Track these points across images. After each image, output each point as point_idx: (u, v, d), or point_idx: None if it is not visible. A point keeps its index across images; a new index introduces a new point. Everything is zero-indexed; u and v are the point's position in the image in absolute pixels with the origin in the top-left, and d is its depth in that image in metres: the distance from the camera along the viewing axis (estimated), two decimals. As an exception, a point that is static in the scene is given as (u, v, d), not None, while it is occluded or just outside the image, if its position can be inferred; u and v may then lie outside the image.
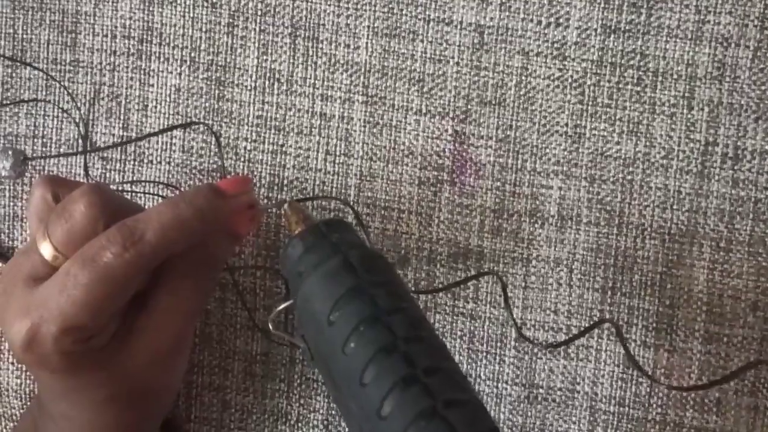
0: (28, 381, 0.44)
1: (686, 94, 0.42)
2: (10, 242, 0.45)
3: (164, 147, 0.45)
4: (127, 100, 0.44)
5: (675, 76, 0.42)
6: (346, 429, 0.42)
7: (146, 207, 0.38)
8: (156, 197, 0.44)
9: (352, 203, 0.44)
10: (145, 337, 0.34)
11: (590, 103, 0.43)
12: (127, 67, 0.44)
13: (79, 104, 0.45)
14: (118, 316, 0.34)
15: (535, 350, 0.44)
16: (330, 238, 0.32)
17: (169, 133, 0.45)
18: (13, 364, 0.44)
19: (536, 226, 0.43)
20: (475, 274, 0.42)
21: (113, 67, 0.44)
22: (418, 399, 0.28)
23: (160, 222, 0.32)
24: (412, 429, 0.28)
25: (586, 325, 0.44)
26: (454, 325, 0.44)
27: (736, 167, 0.42)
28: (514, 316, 0.44)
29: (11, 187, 0.44)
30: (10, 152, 0.37)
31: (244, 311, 0.43)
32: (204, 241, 0.35)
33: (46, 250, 0.32)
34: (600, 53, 0.43)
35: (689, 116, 0.42)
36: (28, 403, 0.44)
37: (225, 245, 0.37)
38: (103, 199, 0.33)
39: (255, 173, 0.44)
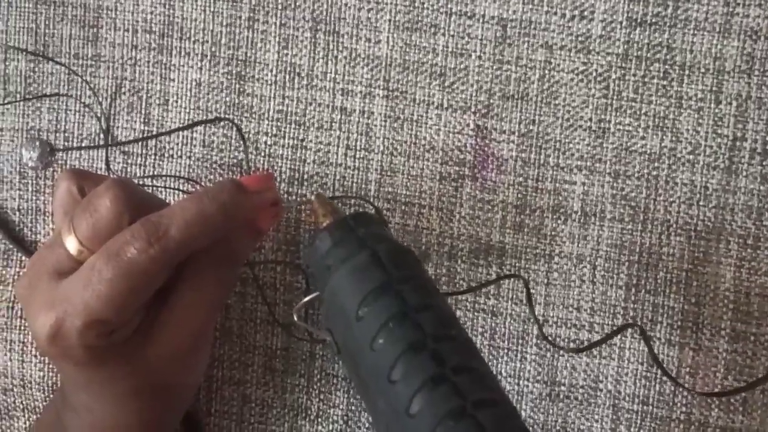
0: (51, 373, 0.44)
1: (714, 88, 0.41)
2: (34, 236, 0.44)
3: (185, 141, 0.44)
4: (148, 95, 0.44)
5: (702, 70, 0.41)
6: (366, 424, 0.42)
7: (169, 202, 0.38)
8: (177, 192, 0.44)
9: (372, 199, 0.43)
10: (167, 332, 0.33)
11: (615, 97, 0.42)
12: (148, 62, 0.44)
13: (100, 99, 0.44)
14: (141, 311, 0.33)
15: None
16: (357, 233, 0.32)
17: (190, 128, 0.44)
18: (36, 356, 0.44)
19: (559, 222, 0.42)
20: (498, 276, 0.41)
21: (134, 61, 0.44)
22: (448, 398, 0.28)
23: (184, 218, 0.32)
24: (441, 428, 0.27)
25: (610, 322, 0.43)
26: (475, 321, 0.43)
27: (764, 163, 0.41)
28: (537, 313, 0.43)
29: (34, 181, 0.44)
30: (37, 143, 0.36)
31: (264, 306, 0.43)
32: (226, 237, 0.34)
33: (71, 244, 0.32)
34: (625, 46, 0.41)
35: (717, 111, 0.41)
36: (51, 396, 0.44)
37: (247, 241, 0.36)
38: (128, 194, 0.32)
39: (275, 168, 0.43)
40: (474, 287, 0.41)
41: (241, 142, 0.42)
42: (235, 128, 0.41)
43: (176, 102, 0.44)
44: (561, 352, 0.42)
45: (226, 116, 0.42)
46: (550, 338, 0.42)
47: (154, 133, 0.44)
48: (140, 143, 0.44)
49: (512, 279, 0.42)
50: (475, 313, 0.43)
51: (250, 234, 0.36)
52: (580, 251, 0.42)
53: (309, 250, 0.33)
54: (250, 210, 0.34)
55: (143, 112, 0.44)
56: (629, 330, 0.42)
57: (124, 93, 0.44)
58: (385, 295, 0.30)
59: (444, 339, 0.30)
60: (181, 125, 0.43)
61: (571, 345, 0.43)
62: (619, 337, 0.42)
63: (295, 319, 0.33)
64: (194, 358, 0.36)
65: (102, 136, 0.44)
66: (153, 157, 0.45)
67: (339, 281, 0.30)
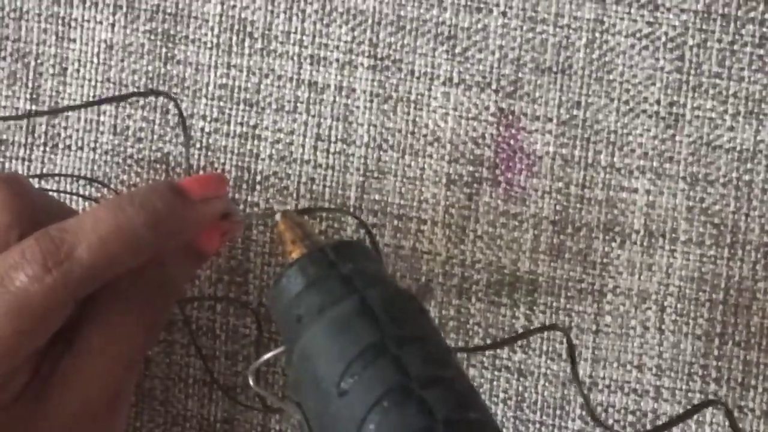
0: None
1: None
2: None
3: (88, 127, 0.35)
4: (39, 62, 0.34)
5: (818, 33, 0.32)
6: None
7: (77, 211, 0.32)
8: (76, 198, 0.35)
9: (352, 206, 0.34)
10: (71, 389, 0.29)
11: (692, 71, 0.33)
12: (39, 15, 0.34)
13: None
14: (33, 360, 0.29)
15: (609, 420, 0.32)
16: (340, 269, 0.27)
17: (95, 108, 0.34)
18: None
19: (614, 245, 0.33)
20: (532, 329, 0.33)
21: (19, 14, 0.34)
22: None
23: (97, 233, 0.27)
24: None
25: (683, 387, 0.33)
26: (495, 383, 0.34)
27: None
28: (582, 374, 0.33)
29: None
30: None
31: (198, 360, 0.34)
32: (156, 261, 0.29)
33: None
34: (707, 1, 0.32)
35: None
36: None
37: (184, 267, 0.31)
38: (18, 197, 0.28)
39: (216, 166, 0.34)
40: (497, 343, 0.33)
41: (179, 129, 0.34)
42: (173, 104, 0.33)
43: (77, 72, 0.34)
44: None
45: (167, 91, 0.34)
46: (598, 412, 0.32)
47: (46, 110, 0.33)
48: (24, 128, 0.34)
49: (546, 323, 0.32)
50: (495, 372, 0.33)
51: (190, 257, 0.31)
52: (642, 286, 0.33)
53: (273, 291, 0.28)
54: (192, 224, 0.29)
55: (31, 85, 0.35)
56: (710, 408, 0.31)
57: (4, 58, 0.35)
58: (378, 362, 0.25)
59: (461, 425, 0.24)
60: (89, 100, 0.34)
61: (629, 419, 0.33)
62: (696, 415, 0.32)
63: (251, 383, 0.27)
64: (106, 427, 0.30)
65: None
66: (42, 148, 0.35)
67: (314, 339, 0.26)
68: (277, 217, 0.29)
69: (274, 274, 0.34)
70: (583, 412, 0.33)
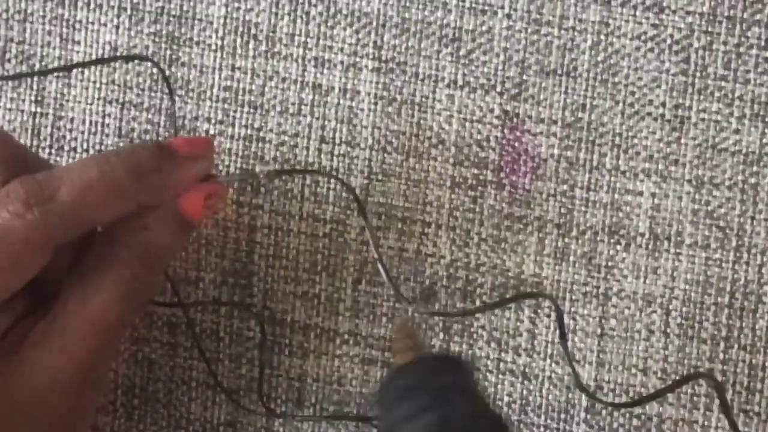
0: None
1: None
2: None
3: (93, 128, 0.34)
4: (44, 64, 0.34)
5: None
6: None
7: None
8: None
9: (355, 213, 0.33)
10: (43, 353, 0.28)
11: (698, 74, 0.33)
12: (44, 17, 0.34)
13: None
14: (5, 319, 0.28)
15: (614, 424, 0.32)
16: (434, 381, 0.27)
17: (100, 110, 0.34)
18: None
19: (618, 248, 0.33)
20: (524, 293, 0.33)
21: (24, 16, 0.34)
22: None
23: (81, 178, 0.27)
24: None
25: (690, 391, 0.32)
26: (500, 386, 0.34)
27: None
28: (586, 375, 0.32)
29: None
30: None
31: (202, 363, 0.34)
32: (140, 224, 0.29)
33: None
34: (712, 3, 0.32)
35: None
36: None
37: (169, 232, 0.30)
38: (4, 147, 0.28)
39: (221, 168, 0.34)
40: (477, 308, 0.33)
41: (167, 98, 0.34)
42: (159, 73, 0.33)
43: (82, 74, 0.34)
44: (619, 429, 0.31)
45: (151, 57, 0.33)
46: (603, 415, 0.33)
47: (50, 114, 0.33)
48: (29, 129, 0.34)
49: (551, 325, 0.33)
50: (500, 376, 0.33)
51: (175, 224, 0.30)
52: (647, 290, 0.33)
53: (374, 395, 0.30)
54: (177, 182, 0.29)
55: (35, 87, 0.35)
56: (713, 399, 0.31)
57: (9, 60, 0.35)
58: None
59: None
60: (72, 63, 0.34)
61: (634, 423, 0.33)
62: (702, 411, 0.31)
63: None
64: (79, 398, 0.29)
65: None
66: (48, 150, 0.35)
67: None
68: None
69: (278, 277, 0.34)
70: (588, 416, 0.32)
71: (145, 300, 0.31)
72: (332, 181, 0.33)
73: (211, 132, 0.33)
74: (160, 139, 0.34)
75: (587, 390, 0.31)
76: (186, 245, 0.33)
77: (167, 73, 0.33)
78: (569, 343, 0.32)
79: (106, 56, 0.34)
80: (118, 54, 0.34)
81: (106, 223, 0.29)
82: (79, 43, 0.34)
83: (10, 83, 0.34)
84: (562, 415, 0.33)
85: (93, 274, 0.29)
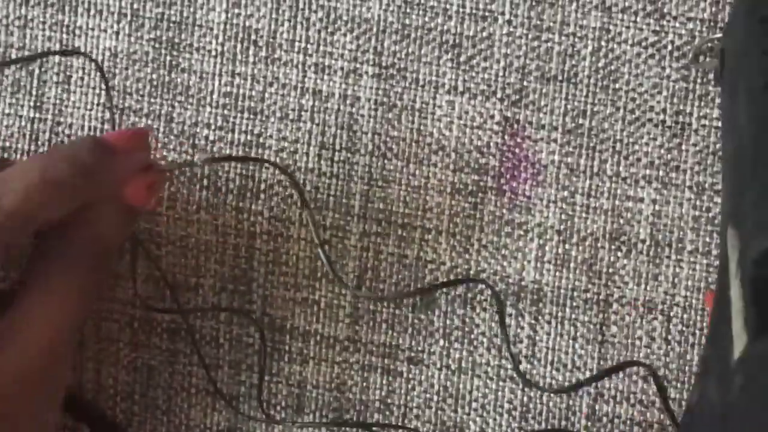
0: None
1: None
2: None
3: (91, 134, 0.33)
4: (42, 69, 0.34)
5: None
6: None
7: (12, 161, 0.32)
8: None
9: (355, 219, 0.33)
10: (3, 355, 0.28)
11: (698, 80, 0.32)
12: (44, 23, 0.34)
13: None
14: None
15: (615, 431, 0.32)
16: None
17: (98, 117, 0.34)
18: None
19: (619, 255, 0.33)
20: (458, 279, 0.33)
21: (24, 21, 0.34)
22: None
23: (23, 181, 0.27)
24: None
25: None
26: (500, 393, 0.34)
27: None
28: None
29: None
30: None
31: (201, 369, 0.34)
32: (88, 218, 0.29)
33: None
34: (713, 9, 0.32)
35: None
36: None
37: (117, 222, 0.31)
38: None
39: (221, 174, 0.34)
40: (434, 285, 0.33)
41: (106, 96, 0.34)
42: (96, 68, 0.33)
43: (81, 80, 0.34)
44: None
45: (84, 52, 0.33)
46: (603, 422, 0.33)
47: (49, 119, 0.33)
48: (27, 135, 0.34)
49: (478, 285, 0.33)
50: (500, 383, 0.33)
51: (121, 213, 0.31)
52: (648, 296, 0.33)
53: None
54: (114, 174, 0.30)
55: (35, 93, 0.34)
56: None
57: (9, 66, 0.34)
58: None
59: None
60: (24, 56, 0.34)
61: (635, 430, 0.32)
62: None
63: None
64: (32, 395, 0.29)
65: None
66: None
67: None
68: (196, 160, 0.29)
69: (277, 284, 0.33)
70: (589, 423, 0.32)
71: (101, 287, 0.32)
72: (331, 187, 0.33)
73: (211, 138, 0.33)
74: (159, 145, 0.33)
75: (524, 376, 0.31)
76: (186, 254, 0.33)
77: (166, 78, 0.33)
78: (570, 350, 0.32)
79: (104, 63, 0.33)
80: (117, 59, 0.33)
81: (55, 221, 0.29)
82: (79, 48, 0.34)
83: (9, 90, 0.34)
84: (563, 423, 0.32)
85: (47, 271, 0.29)
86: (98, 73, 0.33)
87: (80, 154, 0.29)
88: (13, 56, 0.34)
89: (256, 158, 0.33)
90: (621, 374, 0.32)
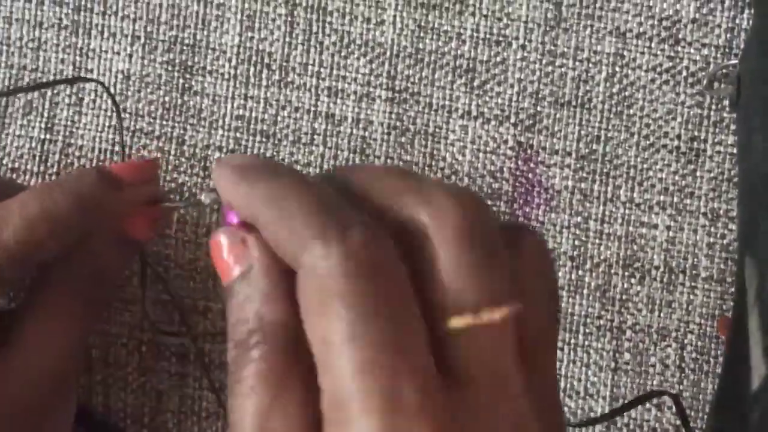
0: None
1: None
2: None
3: (102, 156, 0.34)
4: (55, 91, 0.34)
5: None
6: None
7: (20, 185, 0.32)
8: None
9: None
10: (5, 385, 0.28)
11: (713, 106, 0.32)
12: (57, 45, 0.34)
13: None
14: None
15: None
16: None
17: (109, 139, 0.33)
18: None
19: (633, 281, 0.32)
20: (643, 395, 0.31)
21: (38, 44, 0.34)
22: None
23: (24, 217, 0.27)
24: None
25: (704, 425, 0.31)
26: None
27: None
28: (600, 409, 0.31)
29: None
30: None
31: (211, 394, 0.33)
32: (89, 248, 0.29)
33: None
34: (728, 35, 0.32)
35: None
36: None
37: (118, 254, 0.30)
38: None
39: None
40: (609, 414, 0.32)
41: (117, 122, 0.33)
42: (107, 94, 0.33)
43: (93, 102, 0.34)
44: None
45: (98, 79, 0.32)
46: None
47: (60, 141, 0.32)
48: (37, 156, 0.34)
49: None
50: None
51: (122, 246, 0.30)
52: (662, 323, 0.32)
53: None
54: (122, 209, 0.29)
55: (46, 114, 0.34)
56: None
57: (22, 87, 0.34)
58: None
59: None
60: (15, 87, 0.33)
61: None
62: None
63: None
64: (36, 425, 0.29)
65: None
66: (55, 177, 0.34)
67: None
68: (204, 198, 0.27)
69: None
70: (602, 452, 0.32)
71: (100, 315, 0.31)
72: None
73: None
74: (170, 167, 0.33)
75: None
76: (194, 277, 0.33)
77: (179, 101, 0.33)
78: (583, 377, 0.32)
79: (116, 85, 0.33)
80: (130, 81, 0.33)
81: (55, 253, 0.28)
82: (92, 71, 0.33)
83: (20, 111, 0.34)
84: (577, 430, 0.32)
85: (47, 302, 0.29)
86: (109, 98, 0.33)
87: (84, 187, 0.28)
88: (26, 79, 0.34)
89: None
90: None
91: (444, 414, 0.18)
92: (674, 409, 0.30)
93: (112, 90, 0.33)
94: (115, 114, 0.33)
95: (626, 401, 0.32)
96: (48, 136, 0.34)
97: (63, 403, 0.30)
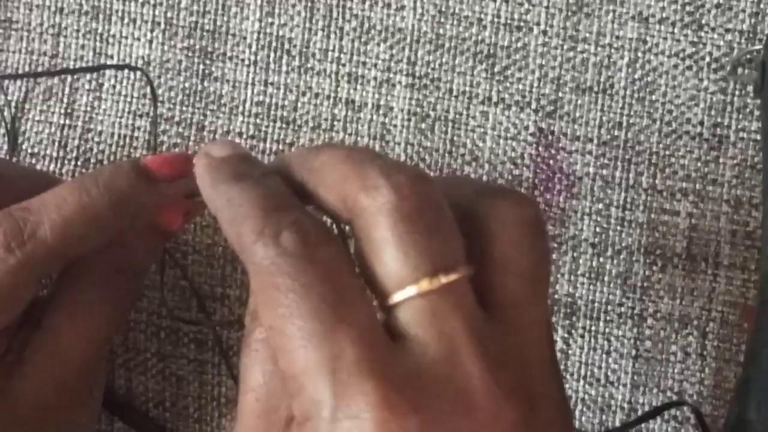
0: None
1: None
2: None
3: (122, 141, 0.34)
4: (75, 77, 0.34)
5: None
6: None
7: (49, 179, 0.31)
8: None
9: None
10: (36, 371, 0.28)
11: (737, 92, 0.32)
12: (77, 31, 0.34)
13: (7, 83, 0.34)
14: (3, 339, 0.28)
15: None
16: None
17: (129, 124, 0.33)
18: None
19: (654, 269, 0.32)
20: (662, 405, 0.31)
21: (58, 30, 0.34)
22: None
23: (61, 213, 0.27)
24: None
25: (726, 414, 0.31)
26: None
27: None
28: (620, 397, 0.31)
29: None
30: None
31: (230, 380, 0.33)
32: (119, 240, 0.29)
33: None
34: (752, 20, 0.32)
35: None
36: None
37: (149, 245, 0.31)
38: None
39: None
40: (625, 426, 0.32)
41: (152, 108, 0.33)
42: (147, 82, 0.33)
43: (113, 88, 0.34)
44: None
45: (140, 67, 0.31)
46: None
47: (79, 126, 0.32)
48: (56, 141, 0.33)
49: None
50: None
51: (153, 237, 0.30)
52: (684, 311, 0.32)
53: None
54: (156, 204, 0.29)
55: (66, 100, 0.34)
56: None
57: (42, 74, 0.34)
58: None
59: None
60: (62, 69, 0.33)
61: None
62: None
63: None
64: (71, 412, 0.29)
65: (6, 137, 0.34)
66: (74, 162, 0.34)
67: None
68: None
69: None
70: (623, 440, 0.32)
71: (130, 305, 0.32)
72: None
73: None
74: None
75: None
76: (212, 262, 0.33)
77: (199, 87, 0.33)
78: (604, 364, 0.32)
79: (137, 72, 0.33)
80: (150, 67, 0.33)
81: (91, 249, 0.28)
82: (112, 57, 0.33)
83: (41, 97, 0.34)
84: (596, 438, 0.32)
85: (79, 291, 0.29)
86: (148, 85, 0.33)
87: (121, 183, 0.28)
88: (46, 65, 0.34)
89: None
90: (656, 390, 0.32)
91: (389, 368, 0.20)
92: (692, 419, 0.30)
93: (131, 77, 0.33)
94: (150, 103, 0.33)
95: (646, 388, 0.32)
96: (68, 122, 0.34)
97: (92, 391, 0.30)
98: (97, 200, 0.27)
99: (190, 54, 0.33)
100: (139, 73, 0.33)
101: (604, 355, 0.32)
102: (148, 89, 0.33)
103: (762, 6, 0.31)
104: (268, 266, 0.21)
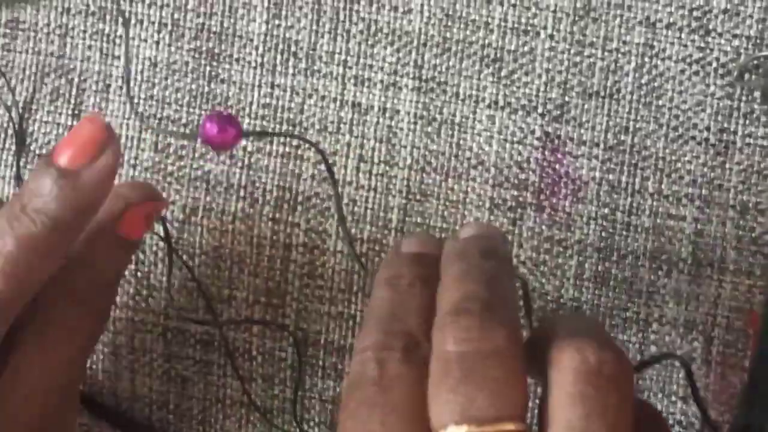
0: None
1: None
2: None
3: (129, 143, 0.34)
4: (82, 78, 0.34)
5: None
6: None
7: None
8: None
9: (394, 233, 0.33)
10: (7, 397, 0.27)
11: (743, 98, 0.32)
12: (84, 32, 0.34)
13: (14, 83, 0.34)
14: None
15: None
16: None
17: (136, 125, 0.33)
18: None
19: (660, 273, 0.32)
20: (656, 356, 0.31)
21: (65, 30, 0.34)
22: None
23: (3, 256, 0.26)
24: None
25: (731, 419, 0.31)
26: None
27: None
28: None
29: None
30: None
31: (236, 381, 0.33)
32: (84, 255, 0.28)
33: None
34: (760, 26, 0.32)
35: None
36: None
37: (114, 256, 0.30)
38: None
39: (258, 184, 0.34)
40: None
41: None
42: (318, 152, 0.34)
43: (120, 89, 0.34)
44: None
45: (309, 139, 0.31)
46: None
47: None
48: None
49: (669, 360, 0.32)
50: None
51: (119, 248, 0.30)
52: (689, 317, 0.32)
53: None
54: (93, 196, 0.27)
55: (73, 101, 0.34)
56: None
57: (49, 74, 0.34)
58: None
59: None
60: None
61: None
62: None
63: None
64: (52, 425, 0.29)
65: (12, 134, 0.34)
66: None
67: None
68: None
69: (312, 297, 0.33)
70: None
71: (104, 321, 0.31)
72: (369, 199, 0.33)
73: (249, 149, 0.33)
74: (196, 155, 0.33)
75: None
76: (220, 264, 0.33)
77: (205, 89, 0.33)
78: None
79: (143, 72, 0.33)
80: (157, 69, 0.33)
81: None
82: (118, 58, 0.33)
83: (48, 98, 0.34)
84: (600, 443, 0.32)
85: (48, 313, 0.28)
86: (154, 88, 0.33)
87: (45, 200, 0.26)
88: (53, 65, 0.34)
89: (294, 135, 0.33)
90: (661, 395, 0.32)
91: None
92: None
93: (138, 77, 0.33)
94: (157, 105, 0.33)
95: (651, 393, 0.32)
96: (75, 123, 0.34)
97: (66, 414, 0.30)
98: (31, 227, 0.26)
99: (196, 56, 0.33)
100: (146, 75, 0.33)
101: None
102: (155, 90, 0.33)
103: (770, 11, 0.31)
104: (360, 374, 0.22)
